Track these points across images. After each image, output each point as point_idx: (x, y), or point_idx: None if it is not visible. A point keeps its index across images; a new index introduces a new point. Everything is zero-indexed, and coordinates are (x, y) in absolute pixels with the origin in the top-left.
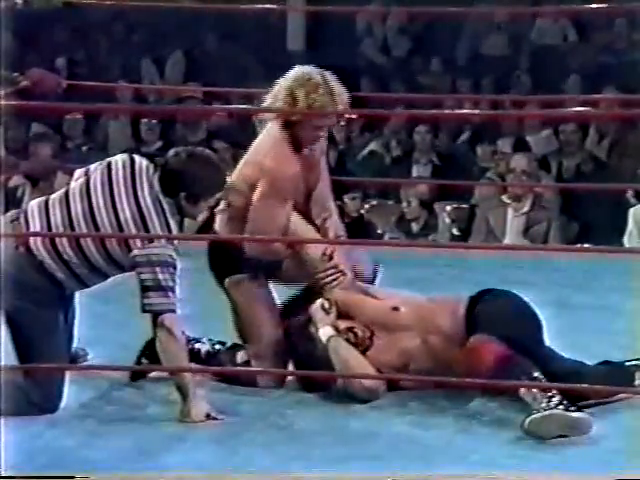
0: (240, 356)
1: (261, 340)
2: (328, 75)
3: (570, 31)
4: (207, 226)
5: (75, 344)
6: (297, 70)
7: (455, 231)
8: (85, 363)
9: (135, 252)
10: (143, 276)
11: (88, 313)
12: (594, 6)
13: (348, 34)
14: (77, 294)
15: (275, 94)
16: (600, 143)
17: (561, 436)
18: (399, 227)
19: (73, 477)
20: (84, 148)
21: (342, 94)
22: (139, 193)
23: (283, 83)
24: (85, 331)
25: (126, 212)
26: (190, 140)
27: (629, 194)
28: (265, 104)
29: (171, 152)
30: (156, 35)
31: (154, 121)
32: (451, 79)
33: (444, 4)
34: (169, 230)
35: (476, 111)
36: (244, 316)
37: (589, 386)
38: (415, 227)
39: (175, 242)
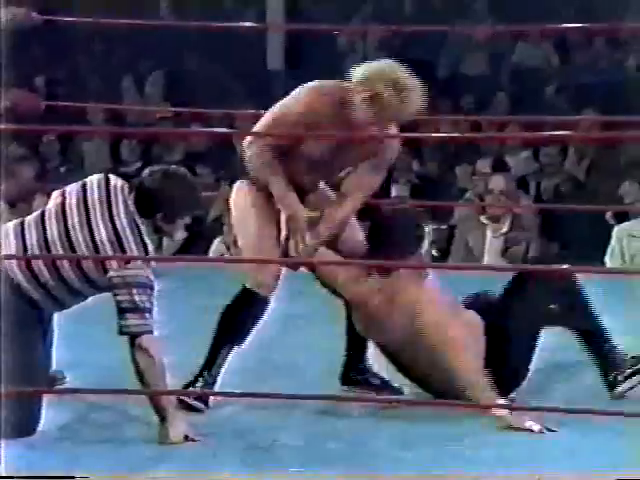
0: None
1: None
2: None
3: (551, 52)
4: (186, 246)
5: (54, 366)
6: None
7: (434, 252)
8: (63, 386)
9: (111, 273)
10: (119, 297)
11: (66, 334)
12: (574, 25)
13: (329, 52)
14: (56, 315)
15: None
16: (579, 164)
17: None
18: None
19: (73, 477)
20: (62, 169)
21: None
22: (114, 213)
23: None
24: (63, 353)
25: (102, 233)
26: (168, 161)
27: (608, 215)
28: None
29: (146, 171)
30: (136, 53)
31: (134, 142)
32: (431, 98)
33: (425, 23)
34: (145, 250)
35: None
36: None
37: None
38: None
39: (152, 263)
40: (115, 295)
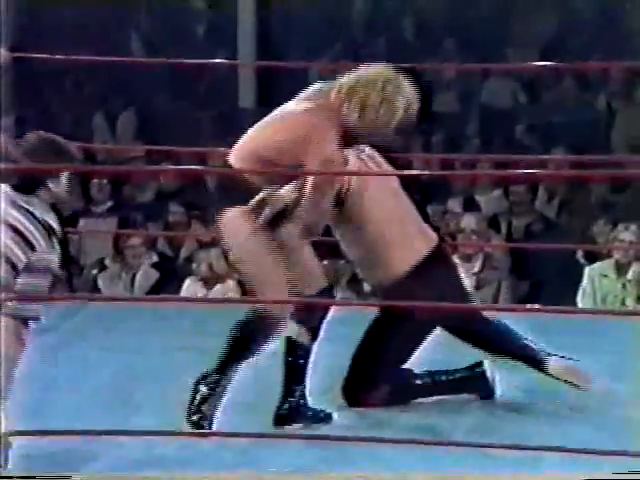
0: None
1: None
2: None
3: (519, 91)
4: (158, 286)
5: None
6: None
7: None
8: None
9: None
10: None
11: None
12: (542, 64)
13: (300, 89)
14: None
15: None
16: (550, 203)
17: None
18: (350, 287)
19: (71, 477)
20: None
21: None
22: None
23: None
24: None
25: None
26: (140, 200)
27: (579, 254)
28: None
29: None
30: (107, 91)
31: (104, 181)
32: (402, 137)
33: (394, 60)
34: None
35: (427, 172)
36: None
37: None
38: (366, 287)
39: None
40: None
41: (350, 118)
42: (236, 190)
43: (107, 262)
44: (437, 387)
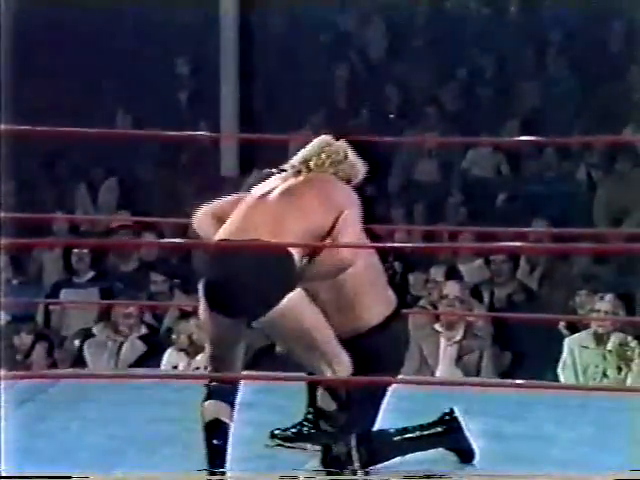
0: None
1: None
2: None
3: (502, 161)
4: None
5: None
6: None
7: None
8: None
9: None
10: None
11: None
12: (523, 138)
13: (282, 159)
14: None
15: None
16: (531, 274)
17: None
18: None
19: (70, 477)
20: (14, 282)
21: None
22: None
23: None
24: None
25: None
26: (122, 270)
27: (561, 325)
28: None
29: None
30: (89, 161)
31: (85, 251)
32: (384, 206)
33: (377, 130)
34: None
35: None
36: None
37: None
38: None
39: None
40: None
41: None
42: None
43: (95, 330)
44: (413, 443)
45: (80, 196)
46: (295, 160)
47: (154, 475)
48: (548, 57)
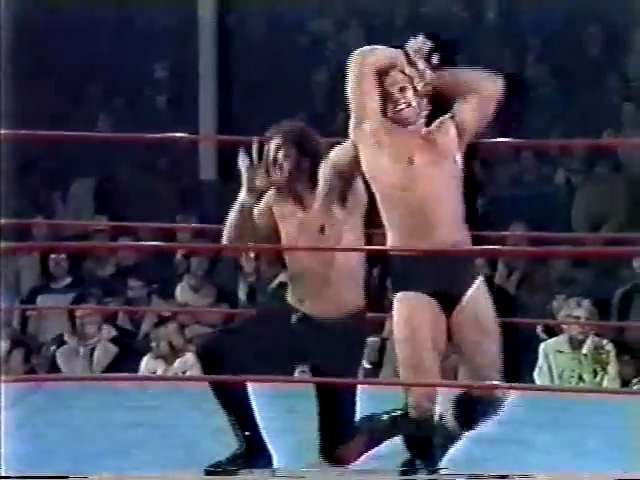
0: None
1: None
2: None
3: (478, 164)
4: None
5: None
6: None
7: (366, 364)
8: None
9: None
10: None
11: None
12: (501, 140)
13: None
14: None
15: None
16: (509, 278)
17: None
18: None
19: (67, 477)
20: None
21: None
22: None
23: None
24: None
25: None
26: (100, 275)
27: (539, 329)
28: None
29: None
30: (66, 164)
31: (62, 256)
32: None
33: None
34: None
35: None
36: None
37: None
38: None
39: None
40: None
41: None
42: None
43: (66, 337)
44: (397, 426)
45: (58, 202)
46: None
47: (154, 475)
48: (527, 61)
